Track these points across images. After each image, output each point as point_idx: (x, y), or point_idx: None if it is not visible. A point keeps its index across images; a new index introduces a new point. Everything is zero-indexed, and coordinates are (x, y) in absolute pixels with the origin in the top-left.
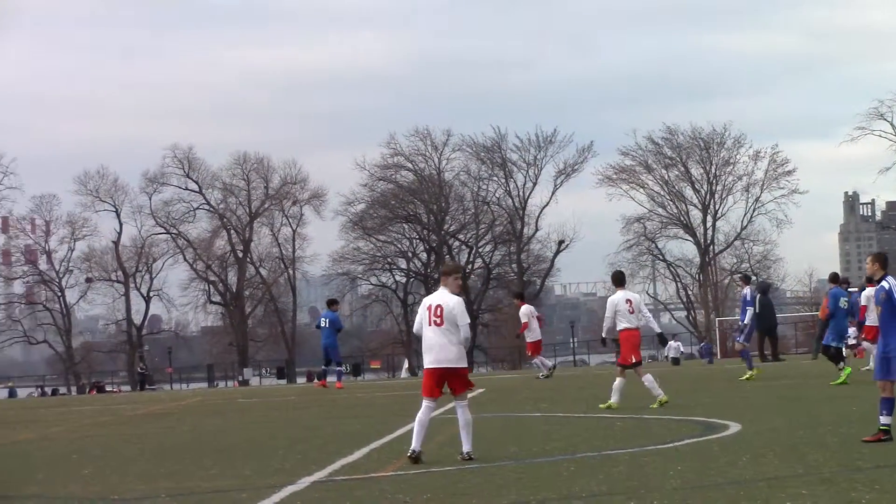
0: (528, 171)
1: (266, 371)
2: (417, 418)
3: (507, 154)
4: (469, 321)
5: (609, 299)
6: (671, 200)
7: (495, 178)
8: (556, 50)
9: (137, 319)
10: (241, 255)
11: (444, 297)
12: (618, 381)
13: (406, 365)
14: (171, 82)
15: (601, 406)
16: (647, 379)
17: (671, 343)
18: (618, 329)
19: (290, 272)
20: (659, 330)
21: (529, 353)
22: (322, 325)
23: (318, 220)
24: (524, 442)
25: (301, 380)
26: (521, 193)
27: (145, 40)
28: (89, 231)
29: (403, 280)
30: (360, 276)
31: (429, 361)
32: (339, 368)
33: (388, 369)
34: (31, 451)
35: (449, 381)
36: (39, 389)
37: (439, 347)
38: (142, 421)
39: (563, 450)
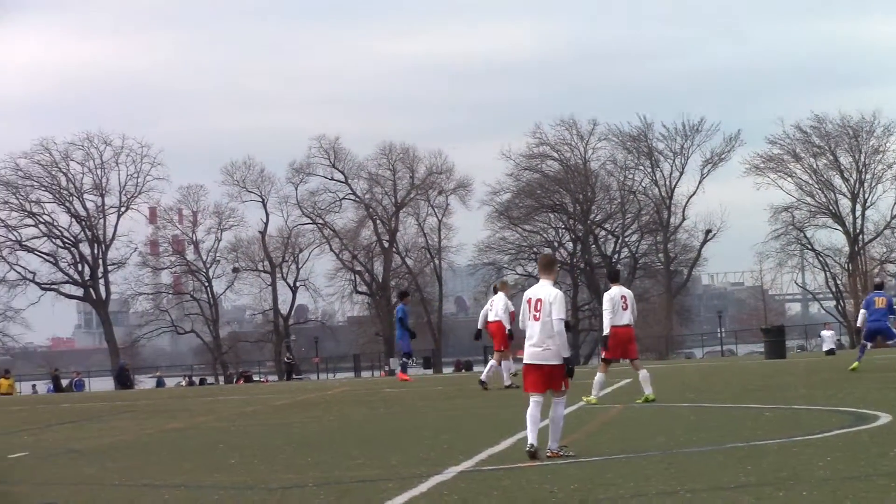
0: (674, 161)
1: (413, 361)
2: (528, 414)
3: (653, 143)
4: (563, 316)
5: (606, 295)
6: (819, 189)
7: (641, 168)
8: (702, 38)
9: (284, 309)
10: (386, 244)
11: (544, 291)
12: (599, 375)
13: None
14: (319, 73)
15: (584, 398)
16: (643, 374)
17: (824, 333)
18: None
19: (436, 262)
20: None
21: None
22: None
23: (464, 209)
24: (672, 432)
25: (447, 369)
26: (667, 183)
27: (292, 31)
28: (236, 221)
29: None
30: (505, 265)
31: (528, 356)
32: (404, 360)
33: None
34: (179, 440)
35: (547, 377)
36: (187, 379)
37: (538, 342)
38: (288, 411)
39: (711, 440)
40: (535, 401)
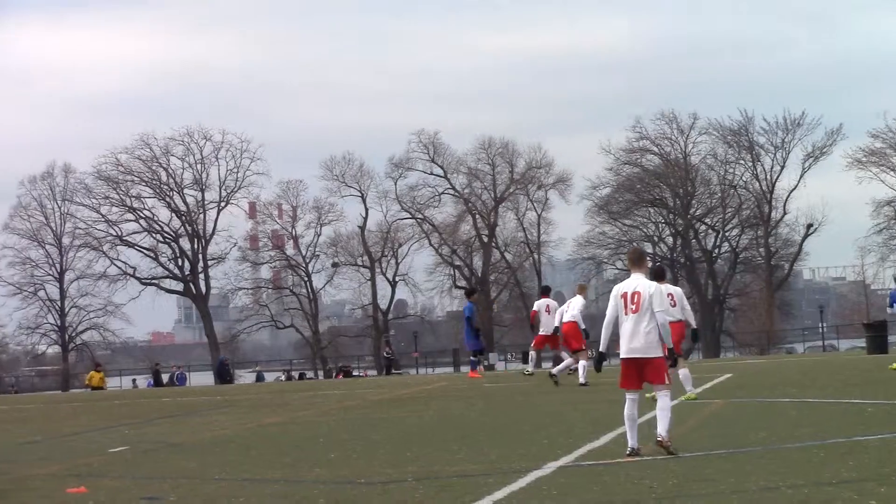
0: (775, 155)
1: (511, 356)
2: (625, 415)
3: (754, 137)
4: (665, 308)
5: None
6: None
7: (742, 162)
8: (801, 31)
9: (383, 304)
10: (486, 239)
11: (641, 283)
12: (682, 371)
13: None
14: (416, 68)
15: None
16: (683, 373)
17: None
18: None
19: (536, 256)
20: (695, 326)
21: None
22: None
23: (564, 204)
24: (773, 427)
25: (546, 364)
26: (768, 177)
27: (390, 25)
28: (335, 216)
29: (649, 265)
30: (605, 260)
31: (624, 351)
32: (472, 359)
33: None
34: (279, 434)
35: (645, 371)
36: (286, 373)
37: (635, 336)
38: (388, 405)
39: (813, 435)
40: (631, 398)
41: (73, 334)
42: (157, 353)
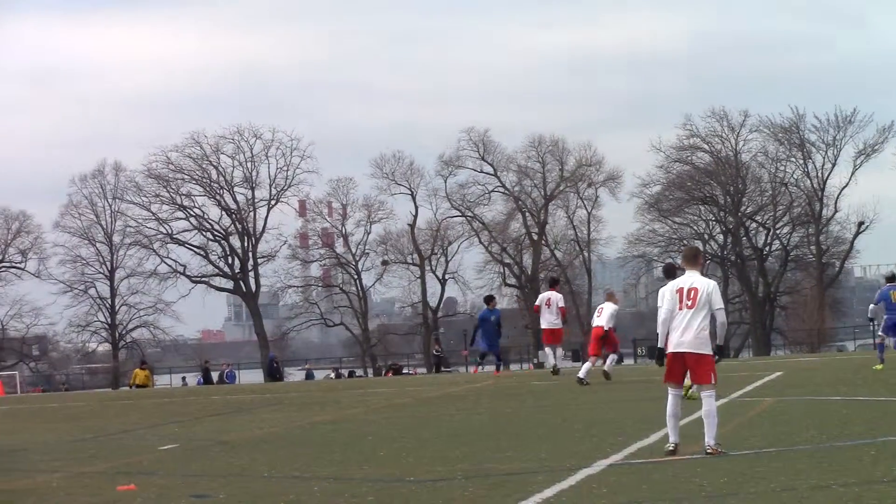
0: (826, 152)
1: (562, 353)
2: (669, 412)
3: (805, 135)
4: (724, 306)
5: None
6: None
7: (793, 159)
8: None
9: (433, 302)
10: (536, 237)
11: (698, 280)
12: None
13: None
14: (466, 66)
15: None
16: None
17: None
18: None
19: (586, 254)
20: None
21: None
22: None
23: (614, 201)
24: (824, 425)
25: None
26: (819, 174)
27: (440, 24)
28: (385, 214)
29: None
30: (655, 258)
31: (674, 345)
32: (496, 361)
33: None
34: (328, 432)
35: (692, 368)
36: (335, 371)
37: (686, 331)
38: (437, 403)
39: (864, 434)
40: (673, 394)
41: (123, 332)
42: (207, 350)
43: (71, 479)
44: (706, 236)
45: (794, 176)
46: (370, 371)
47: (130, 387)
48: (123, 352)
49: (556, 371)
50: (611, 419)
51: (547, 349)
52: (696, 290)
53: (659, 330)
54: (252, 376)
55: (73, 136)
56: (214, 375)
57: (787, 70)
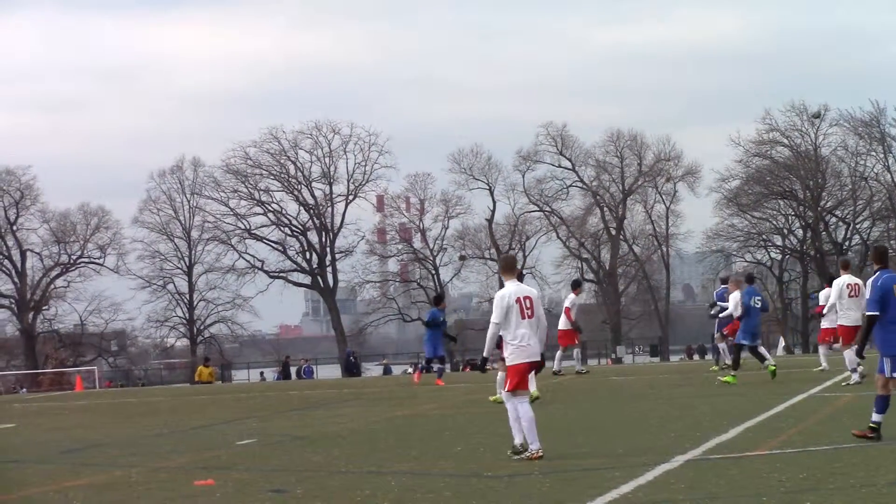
0: None
1: (639, 349)
2: (523, 416)
3: (885, 129)
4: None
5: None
6: None
7: (874, 153)
8: None
9: None
10: (613, 232)
11: (529, 289)
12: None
13: (782, 343)
14: (544, 61)
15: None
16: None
17: None
18: None
19: (664, 249)
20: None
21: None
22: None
23: (692, 196)
24: None
25: (675, 357)
26: None
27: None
28: (463, 209)
29: (779, 257)
30: (734, 253)
31: (526, 356)
32: (439, 367)
33: (765, 346)
34: (405, 427)
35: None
36: (413, 366)
37: (530, 340)
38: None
39: None
40: (521, 401)
41: (202, 327)
42: (285, 346)
43: (149, 473)
44: (785, 231)
45: (875, 170)
46: (448, 366)
47: (195, 384)
48: (201, 347)
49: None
50: (689, 414)
51: (558, 353)
52: (530, 298)
53: (488, 343)
54: (330, 371)
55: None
56: (292, 370)
57: (867, 63)
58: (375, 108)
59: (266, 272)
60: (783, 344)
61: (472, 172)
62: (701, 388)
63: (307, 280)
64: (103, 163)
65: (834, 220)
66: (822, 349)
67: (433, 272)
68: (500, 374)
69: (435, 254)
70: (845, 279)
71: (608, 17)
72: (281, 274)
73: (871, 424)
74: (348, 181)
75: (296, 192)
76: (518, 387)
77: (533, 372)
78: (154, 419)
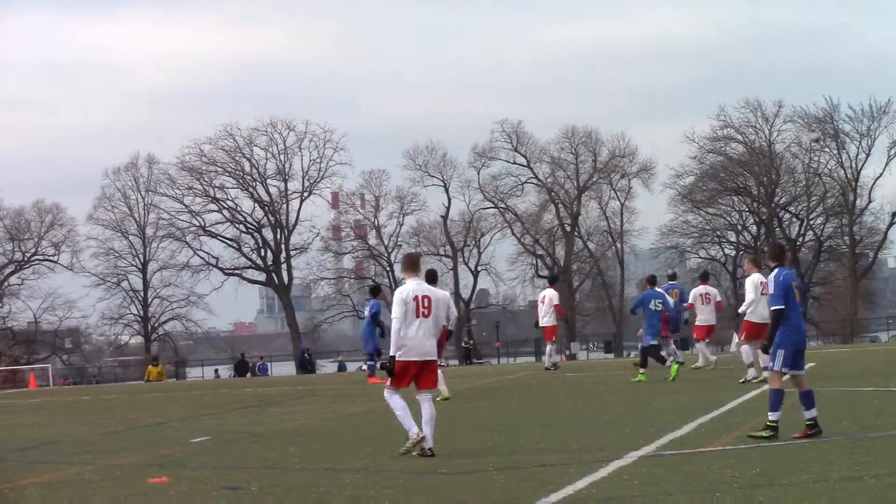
0: (860, 142)
1: (594, 345)
2: (402, 406)
3: (839, 125)
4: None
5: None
6: None
7: (827, 150)
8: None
9: (465, 293)
10: (568, 228)
11: (430, 289)
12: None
13: (735, 339)
14: (500, 59)
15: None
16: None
17: None
18: None
19: (619, 246)
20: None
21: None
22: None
23: (647, 193)
24: (856, 416)
25: (629, 353)
26: (853, 165)
27: (466, 18)
28: (418, 206)
29: (733, 253)
30: (688, 249)
31: (415, 354)
32: (370, 363)
33: (718, 343)
34: (360, 424)
35: (423, 374)
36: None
37: (425, 339)
38: (469, 395)
39: None
40: (400, 397)
41: (156, 324)
42: (240, 343)
43: (103, 471)
44: (739, 227)
45: (828, 166)
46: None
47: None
48: (156, 344)
49: (554, 366)
50: (643, 411)
51: (548, 346)
52: (429, 298)
53: (393, 340)
54: (284, 369)
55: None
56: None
57: (822, 60)
58: (331, 104)
59: (221, 269)
60: (736, 340)
61: (427, 169)
62: (655, 385)
63: (262, 277)
64: (58, 160)
65: (788, 216)
66: (700, 346)
67: (388, 269)
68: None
69: (390, 251)
70: (758, 277)
71: (565, 14)
72: (236, 271)
73: (808, 421)
74: (303, 178)
75: (251, 189)
76: (399, 384)
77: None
78: (108, 417)
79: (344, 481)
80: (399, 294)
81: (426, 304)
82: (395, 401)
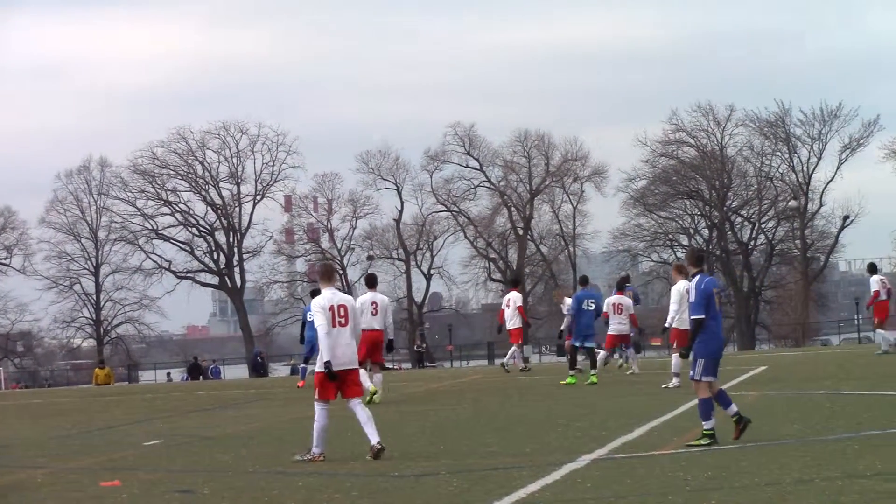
0: (812, 146)
1: (546, 348)
2: (324, 425)
3: (790, 129)
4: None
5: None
6: None
7: (779, 154)
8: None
9: (418, 297)
10: (521, 232)
11: (345, 298)
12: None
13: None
14: (453, 62)
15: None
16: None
17: None
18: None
19: (571, 249)
20: (391, 336)
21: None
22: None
23: (599, 196)
24: (807, 419)
25: (581, 357)
26: (805, 168)
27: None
28: (371, 209)
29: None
30: (640, 252)
31: (335, 364)
32: (303, 366)
33: (668, 346)
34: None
35: (346, 383)
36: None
37: (344, 348)
38: (422, 398)
39: (847, 428)
40: (328, 409)
41: (108, 328)
42: (192, 346)
43: (55, 474)
44: (691, 230)
45: (780, 170)
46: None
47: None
48: (108, 348)
49: (523, 369)
50: (595, 414)
51: (513, 348)
52: (345, 307)
53: (323, 347)
54: (237, 372)
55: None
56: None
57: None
58: (283, 108)
59: (173, 272)
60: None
61: (380, 172)
62: (607, 388)
63: (214, 280)
64: (9, 163)
65: (739, 219)
66: (603, 354)
67: (341, 272)
68: (378, 377)
69: (343, 254)
70: (684, 284)
71: (517, 17)
72: (188, 274)
73: (733, 418)
74: (256, 181)
75: (203, 193)
76: (326, 395)
77: (370, 370)
78: (60, 420)
79: (296, 484)
80: (317, 304)
81: (342, 314)
82: (322, 415)
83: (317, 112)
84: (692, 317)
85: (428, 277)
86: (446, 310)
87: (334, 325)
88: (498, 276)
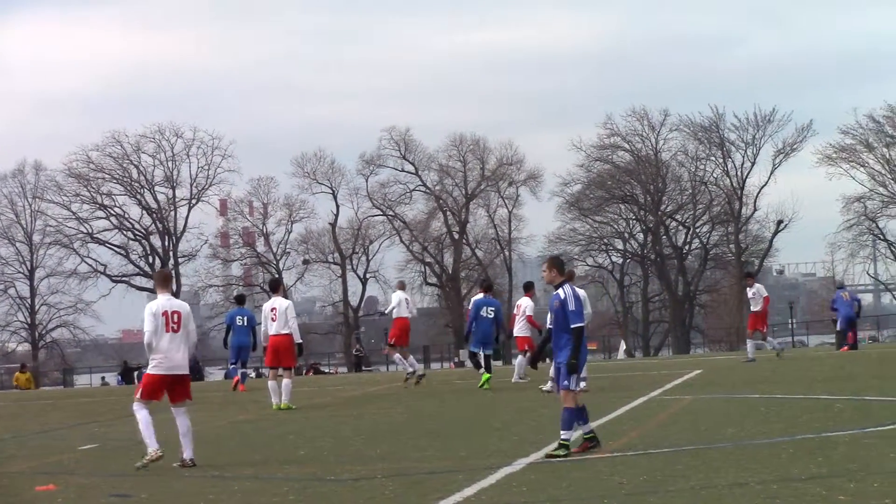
0: (746, 151)
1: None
2: (149, 421)
3: (725, 134)
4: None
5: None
6: (893, 179)
7: (713, 158)
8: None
9: (354, 301)
10: (457, 236)
11: (180, 304)
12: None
13: (623, 346)
14: (388, 65)
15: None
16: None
17: None
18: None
19: (507, 253)
20: (299, 340)
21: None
22: (240, 323)
23: (535, 201)
24: (742, 423)
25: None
26: (739, 173)
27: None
28: (306, 213)
29: (620, 261)
30: (576, 256)
31: (164, 368)
32: (242, 370)
33: (605, 350)
34: (249, 431)
35: (175, 388)
36: (255, 371)
37: (175, 353)
38: (358, 402)
39: (782, 431)
40: (147, 410)
41: (43, 332)
42: (128, 350)
43: None
44: (626, 235)
45: (714, 175)
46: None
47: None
48: (43, 352)
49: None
50: (531, 418)
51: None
52: (179, 313)
53: (147, 353)
54: None
55: None
56: (135, 375)
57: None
58: (219, 111)
59: (109, 276)
60: (624, 347)
61: (316, 177)
62: (547, 394)
63: (150, 284)
64: None
65: (674, 224)
66: (520, 358)
67: (276, 276)
68: (287, 382)
69: (278, 258)
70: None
71: (452, 21)
72: (123, 278)
73: (585, 435)
74: (191, 185)
75: (138, 196)
76: (151, 396)
77: (281, 376)
78: None
79: (232, 488)
80: (149, 309)
81: (175, 320)
82: (142, 415)
83: (252, 116)
84: (575, 325)
85: (364, 281)
86: (382, 314)
87: (167, 331)
88: (433, 279)
